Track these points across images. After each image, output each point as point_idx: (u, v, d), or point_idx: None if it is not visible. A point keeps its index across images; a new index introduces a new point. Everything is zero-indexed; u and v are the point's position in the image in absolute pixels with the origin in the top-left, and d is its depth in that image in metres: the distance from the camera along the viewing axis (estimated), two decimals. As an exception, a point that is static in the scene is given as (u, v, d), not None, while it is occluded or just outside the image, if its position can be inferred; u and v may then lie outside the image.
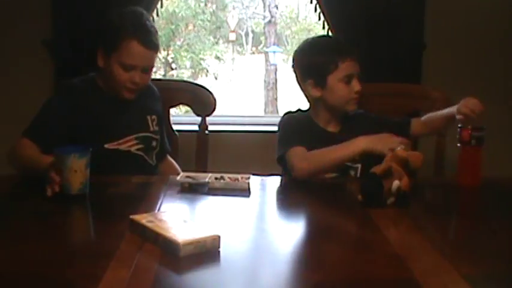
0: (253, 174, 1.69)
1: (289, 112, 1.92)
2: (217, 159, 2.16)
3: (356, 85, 1.79)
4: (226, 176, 1.63)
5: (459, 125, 1.66)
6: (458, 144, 1.66)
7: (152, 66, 1.84)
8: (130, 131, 1.84)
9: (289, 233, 1.30)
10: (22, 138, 1.75)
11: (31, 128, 1.79)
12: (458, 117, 1.64)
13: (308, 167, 1.67)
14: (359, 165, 1.80)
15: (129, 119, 1.85)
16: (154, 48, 1.79)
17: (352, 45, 1.87)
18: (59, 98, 1.86)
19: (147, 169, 1.84)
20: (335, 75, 1.79)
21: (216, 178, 1.61)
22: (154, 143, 1.91)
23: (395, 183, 1.39)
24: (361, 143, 1.65)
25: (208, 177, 1.61)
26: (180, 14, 5.93)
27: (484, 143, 1.65)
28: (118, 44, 1.75)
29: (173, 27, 6.09)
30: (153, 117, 1.92)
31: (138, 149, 1.85)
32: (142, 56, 1.77)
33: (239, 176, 1.63)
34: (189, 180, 1.56)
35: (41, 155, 1.63)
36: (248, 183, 1.59)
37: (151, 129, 1.90)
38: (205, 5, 6.66)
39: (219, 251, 1.11)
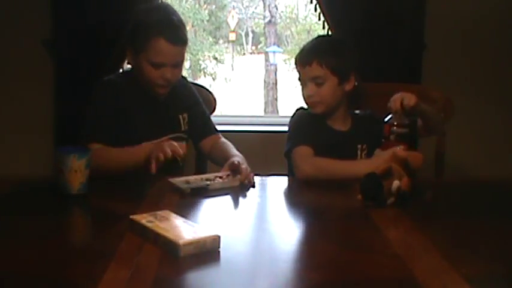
0: (253, 174, 1.69)
1: (301, 108, 1.93)
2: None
3: (307, 90, 1.82)
4: (213, 175, 1.64)
5: (385, 119, 1.68)
6: (383, 140, 1.68)
7: (182, 61, 1.82)
8: (165, 132, 1.83)
9: (289, 233, 1.30)
10: (90, 144, 1.70)
11: (92, 131, 1.78)
12: (388, 106, 1.67)
13: (312, 173, 1.69)
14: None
15: (163, 118, 1.85)
16: (181, 43, 1.77)
17: (321, 48, 1.85)
18: (102, 95, 1.83)
19: (176, 170, 1.82)
20: (301, 79, 1.86)
21: (211, 180, 1.61)
22: (184, 142, 1.88)
23: (396, 183, 1.39)
24: (366, 171, 1.58)
25: (201, 179, 1.60)
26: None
27: (407, 140, 1.64)
28: (145, 43, 1.73)
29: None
30: (185, 115, 1.91)
31: None
32: (171, 53, 1.75)
33: (226, 173, 1.65)
34: (191, 185, 1.55)
35: (130, 150, 1.68)
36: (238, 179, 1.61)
37: (183, 128, 1.90)
38: (201, 5, 6.65)
39: (219, 251, 1.11)
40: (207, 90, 2.13)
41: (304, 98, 1.86)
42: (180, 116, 1.91)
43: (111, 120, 1.77)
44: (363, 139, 1.84)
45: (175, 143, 1.64)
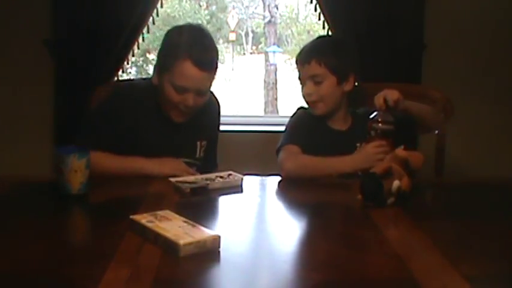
0: (253, 174, 1.69)
1: (302, 107, 1.94)
2: (217, 159, 2.16)
3: (306, 88, 1.83)
4: (213, 175, 1.64)
5: (370, 116, 1.72)
6: (367, 135, 1.72)
7: (208, 89, 1.73)
8: (177, 156, 1.74)
9: (289, 233, 1.30)
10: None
11: (87, 136, 1.70)
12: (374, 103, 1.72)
13: (294, 170, 1.70)
14: None
15: (179, 143, 1.77)
16: (209, 69, 1.68)
17: (320, 47, 1.86)
18: (113, 106, 1.74)
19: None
20: (300, 78, 1.86)
21: (211, 179, 1.60)
22: (195, 169, 1.83)
23: (396, 183, 1.39)
24: (347, 166, 1.71)
25: (201, 179, 1.60)
26: (174, 14, 5.92)
27: (388, 137, 1.68)
28: (171, 63, 1.65)
29: (170, 28, 6.07)
30: (203, 143, 1.84)
31: None
32: (196, 78, 1.65)
33: (227, 173, 1.65)
34: (191, 185, 1.55)
35: (133, 161, 1.66)
36: (241, 179, 1.62)
37: (197, 155, 1.82)
38: (201, 6, 6.65)
39: (219, 251, 1.11)
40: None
41: (303, 97, 1.86)
42: (198, 143, 1.83)
43: (111, 132, 1.70)
44: (362, 137, 1.84)
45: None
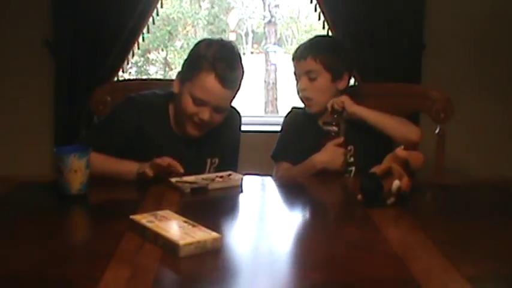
0: (253, 174, 1.69)
1: (295, 108, 1.99)
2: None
3: (301, 84, 1.88)
4: (213, 175, 1.64)
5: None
6: None
7: (226, 108, 1.70)
8: (184, 172, 1.64)
9: (289, 233, 1.30)
10: None
11: (91, 138, 1.70)
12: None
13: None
14: (353, 168, 1.82)
15: (187, 160, 1.64)
16: (231, 87, 1.65)
17: (316, 44, 1.90)
18: (126, 114, 1.69)
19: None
20: (296, 73, 1.91)
21: (211, 179, 1.60)
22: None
23: (396, 183, 1.39)
24: (318, 165, 1.77)
25: (201, 179, 1.60)
26: (173, 16, 5.91)
27: (331, 138, 1.78)
28: (194, 73, 1.62)
29: (169, 28, 6.07)
30: (214, 160, 1.78)
31: None
32: (216, 94, 1.62)
33: (227, 173, 1.65)
34: (191, 185, 1.54)
35: (120, 164, 1.63)
36: (241, 179, 1.61)
37: (206, 172, 1.74)
38: (200, 6, 6.65)
39: (219, 251, 1.11)
40: None
41: (298, 93, 1.90)
42: (209, 160, 1.77)
43: (117, 138, 1.68)
44: (351, 139, 1.83)
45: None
